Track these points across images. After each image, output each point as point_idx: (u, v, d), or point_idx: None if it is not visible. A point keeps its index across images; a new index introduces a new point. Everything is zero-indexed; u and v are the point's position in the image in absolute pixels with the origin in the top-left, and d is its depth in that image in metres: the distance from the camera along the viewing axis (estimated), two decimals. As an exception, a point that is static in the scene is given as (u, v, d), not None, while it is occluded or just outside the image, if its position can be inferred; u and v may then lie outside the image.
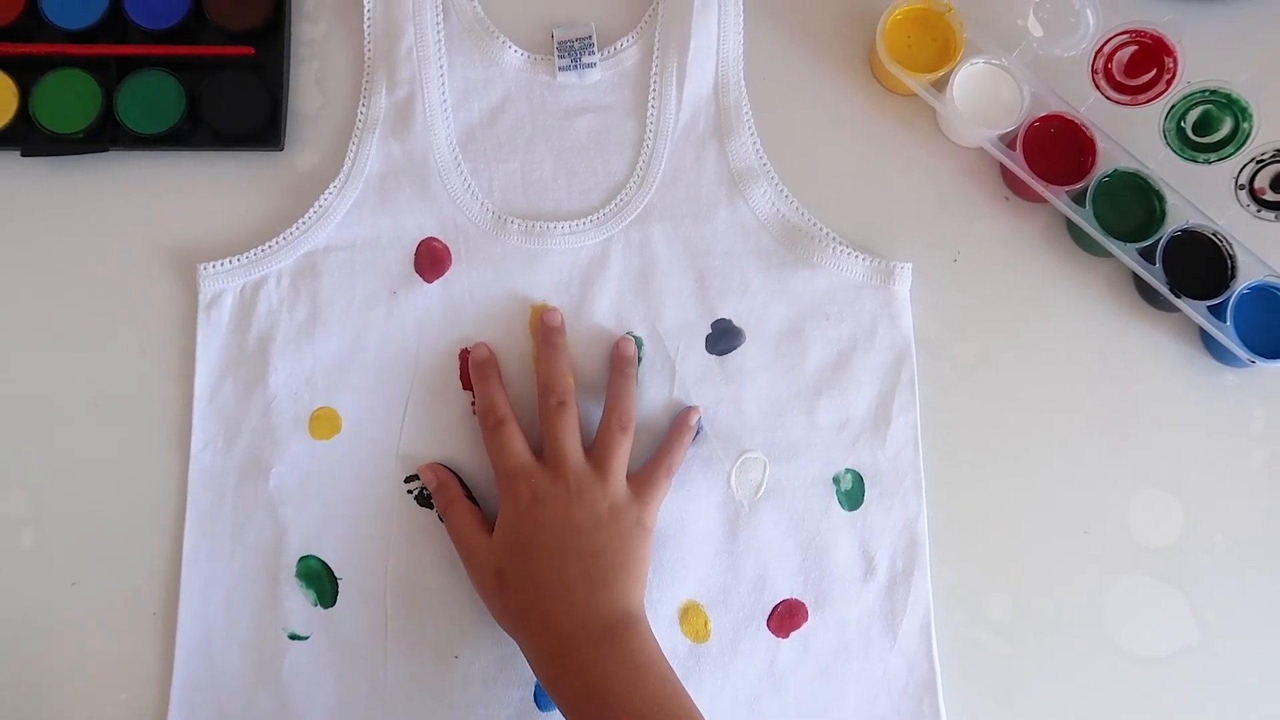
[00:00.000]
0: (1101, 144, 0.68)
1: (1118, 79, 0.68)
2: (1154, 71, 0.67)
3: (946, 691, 0.65)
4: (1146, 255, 0.68)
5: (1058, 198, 0.68)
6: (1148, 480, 0.69)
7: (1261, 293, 0.67)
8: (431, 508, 0.66)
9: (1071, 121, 0.69)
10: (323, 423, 0.66)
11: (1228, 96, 0.66)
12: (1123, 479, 0.69)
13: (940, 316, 0.70)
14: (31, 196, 0.70)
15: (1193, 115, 0.67)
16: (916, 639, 0.66)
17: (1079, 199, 0.68)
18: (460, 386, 0.67)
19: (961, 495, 0.68)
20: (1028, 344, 0.70)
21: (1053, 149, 0.69)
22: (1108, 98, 0.68)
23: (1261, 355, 0.66)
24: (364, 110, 0.70)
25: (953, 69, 0.69)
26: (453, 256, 0.69)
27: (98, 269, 0.69)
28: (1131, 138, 0.68)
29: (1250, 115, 0.65)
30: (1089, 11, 0.68)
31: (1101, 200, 0.68)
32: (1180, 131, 0.67)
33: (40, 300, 0.69)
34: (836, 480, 0.67)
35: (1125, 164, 0.68)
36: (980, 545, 0.68)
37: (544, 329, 0.67)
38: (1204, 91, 0.66)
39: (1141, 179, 0.68)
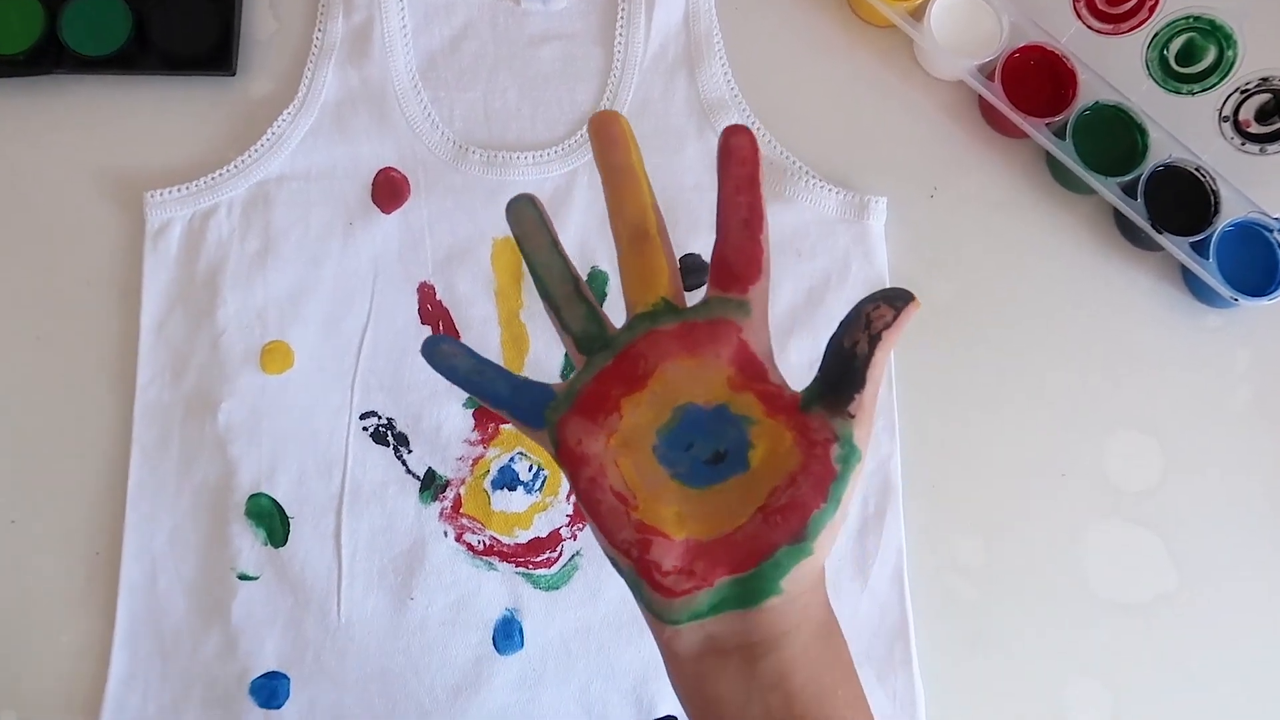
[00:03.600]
0: (1082, 76, 0.67)
1: (1099, 7, 0.66)
2: (1137, -1, 0.65)
3: (918, 636, 0.63)
4: (1128, 191, 0.66)
5: (1038, 131, 0.66)
6: (1127, 423, 0.67)
7: (1245, 230, 0.66)
8: (388, 445, 0.64)
9: (1052, 53, 0.67)
10: (274, 357, 0.64)
11: (1211, 23, 0.64)
12: (1101, 421, 0.67)
13: (916, 253, 0.68)
14: (-28, 122, 0.68)
15: (1176, 44, 0.65)
16: (888, 583, 0.64)
17: (1059, 133, 0.67)
18: (419, 321, 0.65)
19: (935, 437, 0.66)
20: (1005, 282, 0.69)
21: (1032, 81, 0.67)
22: (1089, 27, 0.66)
23: (1245, 293, 0.64)
24: (320, 35, 0.68)
25: (930, -3, 0.67)
26: (412, 187, 0.67)
27: (40, 197, 0.67)
28: (1113, 69, 0.67)
29: (1235, 43, 0.63)
30: (1070, -63, 0.66)
31: (1082, 134, 0.66)
32: (1163, 61, 0.65)
33: (-20, 229, 0.67)
34: (807, 420, 0.65)
35: (1107, 96, 0.67)
36: (954, 488, 0.66)
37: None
38: (1187, 18, 0.64)
39: (1123, 112, 0.67)
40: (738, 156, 0.39)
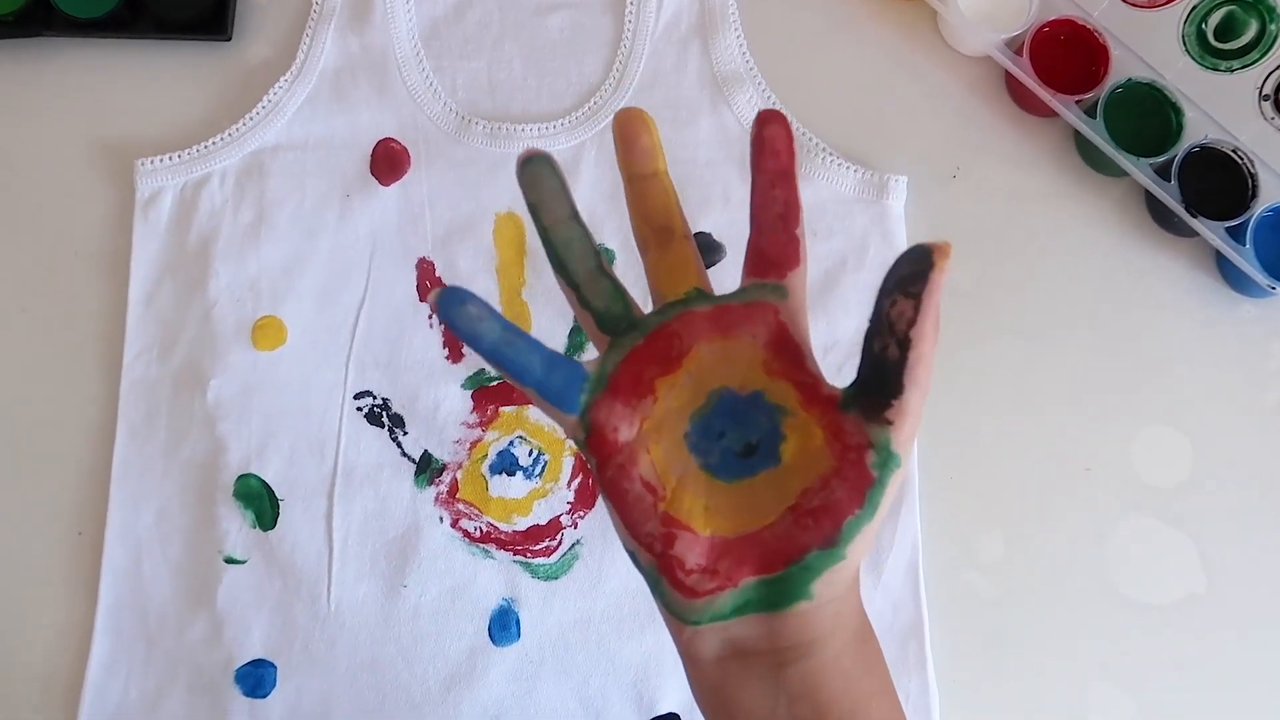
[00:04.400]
0: (1115, 51, 0.64)
1: (1135, -21, 0.63)
2: (1175, -30, 0.62)
3: (933, 636, 0.61)
4: (1161, 173, 0.63)
5: (1067, 109, 0.63)
6: (1155, 416, 0.64)
7: (1284, 215, 0.63)
8: (382, 426, 0.62)
9: (1083, 27, 0.64)
10: (267, 332, 0.62)
11: (1255, -5, 0.61)
12: (1128, 414, 0.64)
13: (936, 235, 0.62)
14: (-41, 86, 0.66)
15: (1215, 18, 0.62)
16: (902, 579, 0.61)
17: (1089, 111, 0.64)
18: (418, 298, 0.63)
19: (954, 428, 0.63)
20: (1030, 268, 0.66)
21: (1062, 57, 0.64)
22: (1124, 0, 0.63)
23: (1283, 281, 0.61)
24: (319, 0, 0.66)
25: (956, -33, 0.64)
26: (412, 159, 0.64)
27: (28, 164, 0.65)
28: (1147, 45, 0.64)
29: (1278, 16, 0.60)
30: (1105, -95, 0.63)
31: (1113, 113, 0.63)
32: (1201, 36, 0.62)
33: (-34, 197, 0.65)
34: (820, 407, 0.62)
35: (1140, 73, 0.64)
36: (973, 481, 0.63)
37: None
38: (1229, -11, 0.61)
39: (1157, 90, 0.64)
40: (770, 148, 0.36)
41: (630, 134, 0.37)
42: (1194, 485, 0.64)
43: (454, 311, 0.34)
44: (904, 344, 0.33)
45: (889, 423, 0.33)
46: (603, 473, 0.35)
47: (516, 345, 0.35)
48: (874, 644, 0.37)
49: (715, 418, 0.35)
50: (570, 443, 0.62)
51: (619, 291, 0.36)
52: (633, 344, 0.35)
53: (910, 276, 0.33)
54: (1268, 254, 0.62)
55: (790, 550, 0.33)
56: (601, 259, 0.37)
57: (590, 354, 0.63)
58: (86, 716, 0.59)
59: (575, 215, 0.36)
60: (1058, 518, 0.63)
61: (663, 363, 0.35)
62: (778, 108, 0.65)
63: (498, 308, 0.62)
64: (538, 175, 0.36)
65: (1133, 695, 0.61)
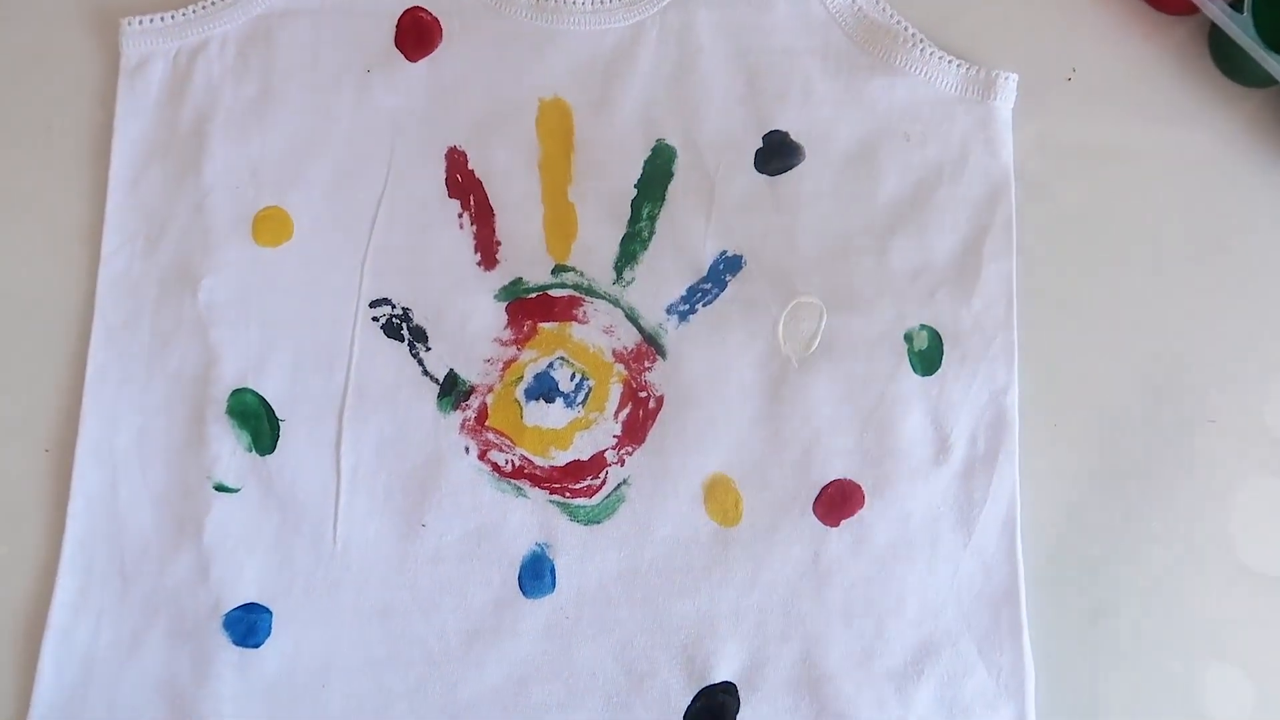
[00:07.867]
0: (1267, -65, 0.56)
1: None
2: None
3: (1030, 604, 0.55)
4: (1313, 81, 0.55)
5: (1209, 1, 0.55)
6: (1291, 363, 0.59)
7: None
8: (402, 340, 0.55)
9: (1231, -94, 0.56)
10: (269, 225, 0.57)
11: None
12: (1261, 360, 0.59)
13: (1046, 147, 0.59)
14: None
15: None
16: (997, 538, 0.55)
17: (1234, 5, 0.56)
18: (446, 194, 0.57)
19: (1061, 367, 0.58)
20: (1152, 189, 0.60)
21: (1203, -60, 0.56)
22: (1284, -128, 0.54)
23: None
24: None
25: None
26: (444, 32, 0.59)
27: (-5, 20, 0.59)
28: (1307, -72, 0.56)
29: None
30: None
31: (1262, 8, 0.56)
32: (1375, -84, 0.54)
33: (-76, 59, 0.59)
34: (909, 338, 0.57)
35: (1296, -37, 0.56)
36: (1080, 428, 0.58)
37: None
38: None
39: (1314, -17, 0.56)
40: None
41: None
42: (1332, 443, 0.58)
43: None
44: None
45: None
46: None
47: None
48: None
49: None
50: (620, 367, 0.55)
51: None
52: None
53: None
54: None
55: None
56: None
57: (645, 264, 0.56)
58: (49, 662, 0.53)
59: None
60: (1175, 474, 0.58)
61: None
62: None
63: (539, 208, 0.55)
64: None
65: (1253, 679, 0.56)
